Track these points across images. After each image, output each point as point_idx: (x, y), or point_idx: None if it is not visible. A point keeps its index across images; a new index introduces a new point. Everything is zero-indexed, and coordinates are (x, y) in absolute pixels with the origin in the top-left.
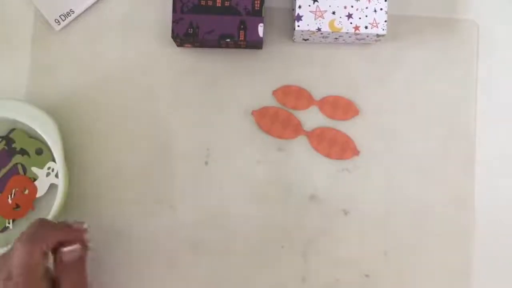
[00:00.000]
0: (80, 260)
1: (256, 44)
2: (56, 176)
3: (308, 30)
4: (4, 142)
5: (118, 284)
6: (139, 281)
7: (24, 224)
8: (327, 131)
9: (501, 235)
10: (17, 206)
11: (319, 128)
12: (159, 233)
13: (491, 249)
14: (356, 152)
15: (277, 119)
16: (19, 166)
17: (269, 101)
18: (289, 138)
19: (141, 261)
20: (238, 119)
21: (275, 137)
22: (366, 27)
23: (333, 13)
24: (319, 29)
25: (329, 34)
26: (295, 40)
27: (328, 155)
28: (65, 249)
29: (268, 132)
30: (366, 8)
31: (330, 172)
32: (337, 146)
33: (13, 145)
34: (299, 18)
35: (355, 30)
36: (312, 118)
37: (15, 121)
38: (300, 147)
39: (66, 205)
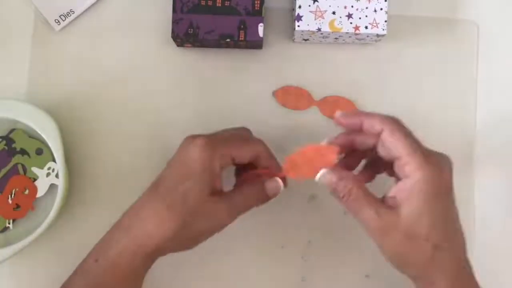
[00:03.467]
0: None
1: (256, 44)
2: (56, 176)
3: (308, 30)
4: (4, 142)
5: None
6: None
7: (24, 224)
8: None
9: (500, 235)
10: (17, 206)
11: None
12: None
13: (490, 249)
14: None
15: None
16: (19, 166)
17: (269, 101)
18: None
19: None
20: (238, 119)
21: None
22: (366, 27)
23: (333, 13)
24: (319, 29)
25: (329, 34)
26: (295, 40)
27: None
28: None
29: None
30: (366, 8)
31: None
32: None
33: (13, 145)
34: (299, 18)
35: (355, 30)
36: (312, 118)
37: (15, 121)
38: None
39: (66, 205)
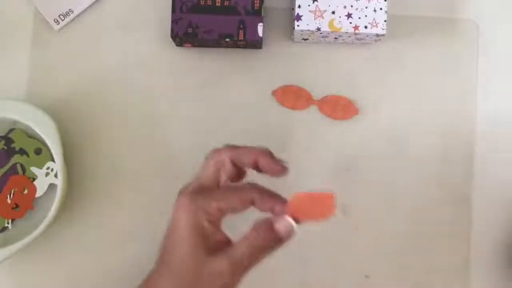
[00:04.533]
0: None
1: (255, 43)
2: (55, 176)
3: (308, 30)
4: (3, 142)
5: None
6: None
7: (23, 224)
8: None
9: (500, 235)
10: (16, 206)
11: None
12: (159, 233)
13: (490, 249)
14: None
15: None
16: (18, 166)
17: (269, 100)
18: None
19: (142, 261)
20: (237, 119)
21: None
22: (365, 27)
23: (333, 12)
24: (318, 29)
25: (328, 33)
26: (294, 39)
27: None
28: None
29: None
30: (366, 7)
31: (330, 172)
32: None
33: (12, 145)
34: (298, 17)
35: (354, 30)
36: (311, 118)
37: (14, 121)
38: (300, 146)
39: (65, 205)
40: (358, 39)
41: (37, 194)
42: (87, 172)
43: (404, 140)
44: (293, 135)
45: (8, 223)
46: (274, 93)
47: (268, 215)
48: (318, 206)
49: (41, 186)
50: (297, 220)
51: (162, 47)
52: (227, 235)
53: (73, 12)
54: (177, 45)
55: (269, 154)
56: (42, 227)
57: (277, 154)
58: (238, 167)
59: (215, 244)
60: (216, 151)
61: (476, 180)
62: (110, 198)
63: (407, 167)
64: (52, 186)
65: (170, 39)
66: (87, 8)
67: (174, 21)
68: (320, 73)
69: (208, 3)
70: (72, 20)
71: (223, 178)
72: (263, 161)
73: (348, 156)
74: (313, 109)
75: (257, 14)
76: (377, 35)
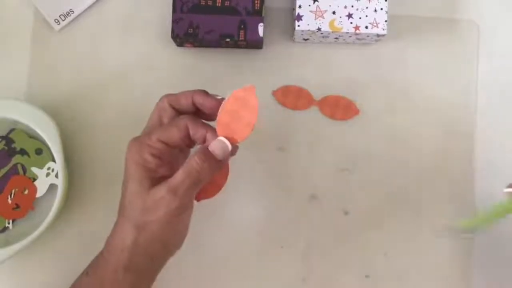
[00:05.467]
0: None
1: (256, 44)
2: (56, 176)
3: (308, 30)
4: (4, 142)
5: None
6: None
7: (23, 224)
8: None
9: (500, 235)
10: (17, 206)
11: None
12: None
13: (490, 249)
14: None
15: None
16: (19, 166)
17: (269, 101)
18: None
19: None
20: None
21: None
22: (366, 27)
23: (333, 13)
24: (319, 29)
25: (329, 34)
26: (295, 40)
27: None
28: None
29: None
30: (367, 8)
31: (330, 172)
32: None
33: (13, 145)
34: (299, 18)
35: (355, 30)
36: (312, 118)
37: (15, 121)
38: (299, 147)
39: (65, 205)
40: (358, 39)
41: (38, 195)
42: (87, 172)
43: (404, 140)
44: (293, 135)
45: (8, 223)
46: (274, 93)
47: None
48: (243, 110)
49: (41, 186)
50: (230, 138)
51: (162, 47)
52: (174, 169)
53: (73, 12)
54: (177, 45)
55: (203, 92)
56: (42, 227)
57: (277, 154)
58: (179, 112)
59: (161, 178)
60: (159, 100)
61: (476, 180)
62: (110, 197)
63: (407, 166)
64: (52, 186)
65: (171, 39)
66: (88, 8)
67: (175, 21)
68: (320, 73)
69: (208, 3)
70: (73, 20)
71: (165, 121)
72: (198, 98)
73: (349, 156)
74: (314, 109)
75: (258, 14)
76: (378, 35)
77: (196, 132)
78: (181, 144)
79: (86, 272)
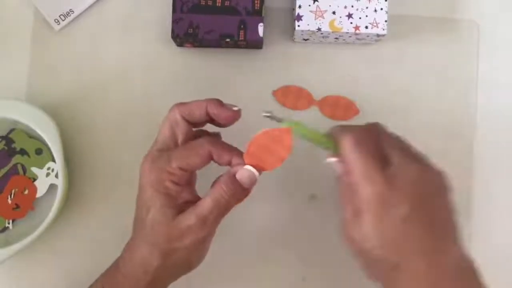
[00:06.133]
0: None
1: (256, 44)
2: (56, 176)
3: (308, 30)
4: (4, 142)
5: None
6: None
7: (23, 224)
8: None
9: (499, 235)
10: (17, 206)
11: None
12: None
13: (490, 249)
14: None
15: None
16: (19, 166)
17: (269, 101)
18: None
19: None
20: None
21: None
22: (366, 27)
23: (333, 13)
24: (319, 29)
25: (329, 34)
26: (295, 40)
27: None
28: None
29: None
30: (367, 8)
31: (330, 172)
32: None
33: (13, 145)
34: (299, 18)
35: (355, 30)
36: (312, 118)
37: (15, 121)
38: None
39: (65, 205)
40: (358, 39)
41: (38, 195)
42: (87, 172)
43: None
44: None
45: (8, 223)
46: (274, 93)
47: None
48: (276, 145)
49: (41, 186)
50: (257, 167)
51: (162, 47)
52: (196, 194)
53: (73, 12)
54: (177, 45)
55: (217, 101)
56: (42, 227)
57: None
58: (192, 124)
59: (183, 204)
60: (169, 111)
61: (476, 180)
62: (110, 198)
63: None
64: (52, 187)
65: (171, 39)
66: (88, 8)
67: (175, 21)
68: (320, 74)
69: (208, 3)
70: (73, 20)
71: (180, 137)
72: (213, 109)
73: None
74: (314, 110)
75: (258, 14)
76: (378, 35)
77: (221, 157)
78: (202, 166)
79: (102, 287)
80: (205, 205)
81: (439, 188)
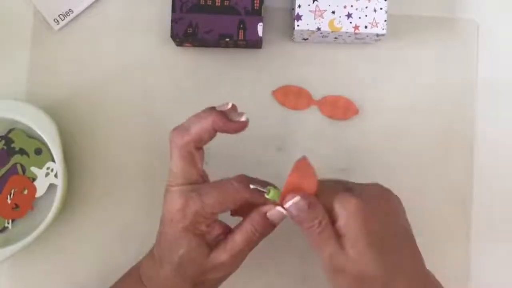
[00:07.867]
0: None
1: (255, 43)
2: (56, 176)
3: (308, 30)
4: (3, 142)
5: None
6: None
7: (23, 224)
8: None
9: (499, 235)
10: (16, 206)
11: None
12: None
13: (490, 249)
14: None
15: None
16: (18, 166)
17: (269, 101)
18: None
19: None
20: None
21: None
22: (366, 27)
23: (333, 12)
24: (318, 29)
25: (328, 33)
26: (294, 39)
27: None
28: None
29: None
30: (366, 7)
31: (330, 172)
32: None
33: (12, 145)
34: (298, 17)
35: (354, 30)
36: (311, 118)
37: (14, 121)
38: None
39: (65, 205)
40: (358, 39)
41: (37, 194)
42: (87, 172)
43: (404, 140)
44: (293, 135)
45: (8, 223)
46: (274, 93)
47: None
48: (304, 180)
49: (41, 186)
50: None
51: (162, 47)
52: (223, 224)
53: (73, 12)
54: (177, 45)
55: (221, 116)
56: (42, 227)
57: (277, 154)
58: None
59: (214, 238)
60: (176, 140)
61: (476, 180)
62: (110, 198)
63: (406, 167)
64: (52, 186)
65: (170, 39)
66: (87, 8)
67: (174, 21)
68: (320, 73)
69: (208, 3)
70: (72, 20)
71: (199, 164)
72: (220, 127)
73: (348, 156)
74: (313, 109)
75: (257, 14)
76: (377, 35)
77: (253, 199)
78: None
79: None
80: (237, 242)
81: (400, 204)
